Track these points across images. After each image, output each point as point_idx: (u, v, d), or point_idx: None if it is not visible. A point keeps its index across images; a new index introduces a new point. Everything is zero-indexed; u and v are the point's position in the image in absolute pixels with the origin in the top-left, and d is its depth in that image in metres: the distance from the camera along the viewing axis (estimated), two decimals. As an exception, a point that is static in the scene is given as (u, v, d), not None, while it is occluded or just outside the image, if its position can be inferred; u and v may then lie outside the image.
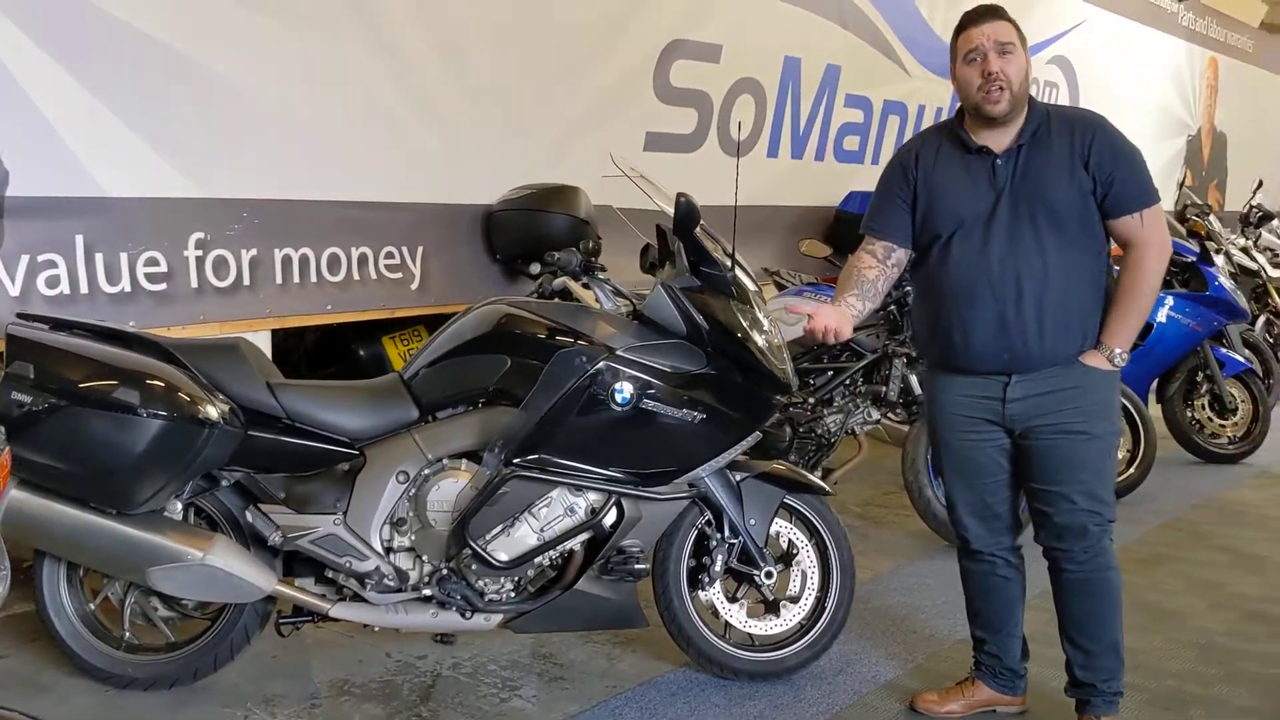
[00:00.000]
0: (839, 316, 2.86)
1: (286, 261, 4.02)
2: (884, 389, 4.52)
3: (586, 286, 3.33)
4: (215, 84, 3.73)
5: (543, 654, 3.45)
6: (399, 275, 4.41)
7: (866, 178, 6.84)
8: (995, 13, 2.81)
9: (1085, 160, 2.74)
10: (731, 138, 5.80)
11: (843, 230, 6.29)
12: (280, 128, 3.94)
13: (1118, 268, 2.86)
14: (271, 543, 3.00)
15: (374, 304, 4.33)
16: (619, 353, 2.97)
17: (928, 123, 7.34)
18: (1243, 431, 5.94)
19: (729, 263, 3.08)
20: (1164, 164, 10.39)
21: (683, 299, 3.02)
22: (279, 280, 4.00)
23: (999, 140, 2.81)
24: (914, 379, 4.56)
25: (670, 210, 3.08)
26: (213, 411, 2.84)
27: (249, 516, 3.01)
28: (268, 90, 3.88)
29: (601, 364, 2.94)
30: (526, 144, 4.82)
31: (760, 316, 3.14)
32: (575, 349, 2.96)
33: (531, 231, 4.58)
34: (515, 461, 2.96)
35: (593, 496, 3.04)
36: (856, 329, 4.64)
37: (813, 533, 3.33)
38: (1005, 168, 2.79)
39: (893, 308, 4.60)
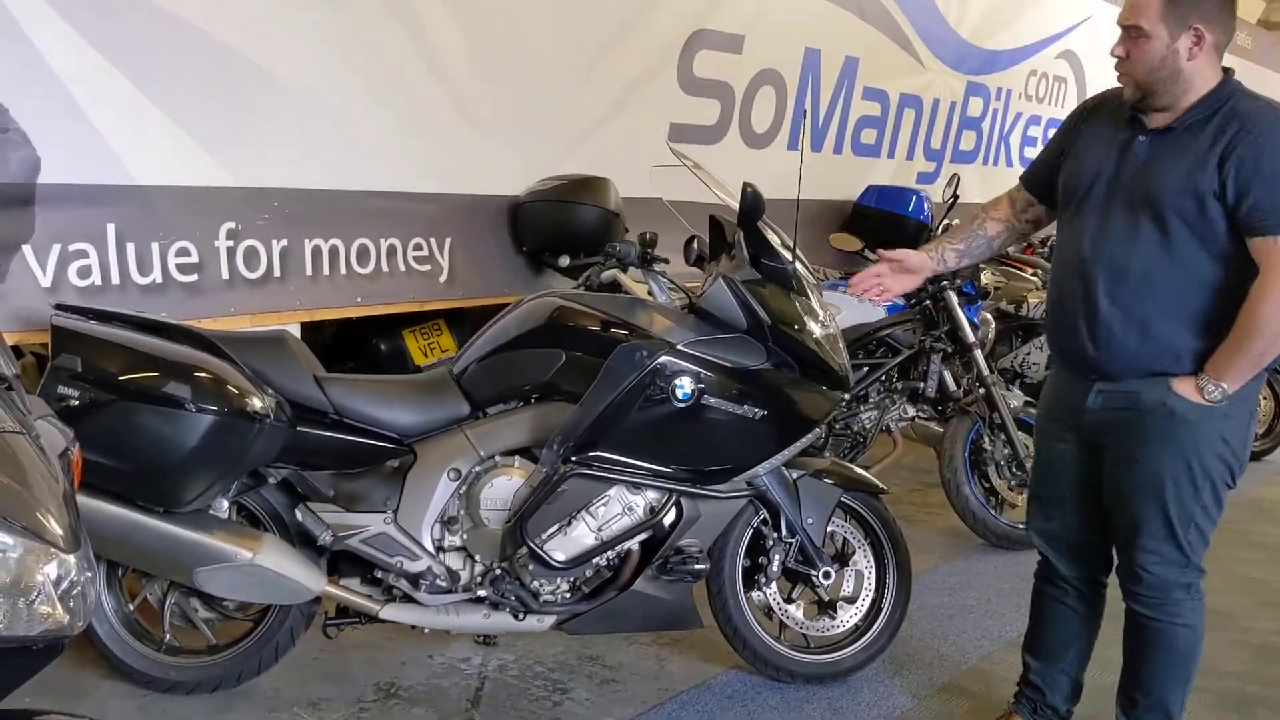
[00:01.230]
0: (897, 275, 2.76)
1: (316, 252, 3.91)
2: (921, 385, 4.46)
3: (638, 280, 3.25)
4: (248, 70, 3.62)
5: (589, 655, 3.37)
6: (427, 267, 4.30)
7: (883, 171, 6.79)
8: None
9: (1221, 161, 2.37)
10: (754, 129, 5.73)
11: (861, 224, 6.23)
12: (312, 115, 3.83)
13: None
14: (321, 542, 2.91)
15: (403, 296, 4.23)
16: (679, 347, 2.89)
17: (941, 117, 7.30)
18: (1264, 429, 5.91)
19: (789, 255, 3.00)
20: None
21: (744, 291, 2.94)
22: (309, 272, 3.89)
23: (1159, 117, 2.47)
24: (948, 375, 4.50)
25: (732, 201, 3.00)
26: (262, 406, 2.74)
27: (299, 515, 2.91)
28: (300, 77, 3.77)
29: (662, 359, 2.86)
30: (553, 134, 4.73)
31: (819, 309, 3.07)
32: (635, 343, 2.87)
33: (560, 223, 4.50)
34: (574, 459, 2.88)
35: (651, 495, 2.96)
36: (892, 324, 4.68)
37: (868, 532, 3.27)
38: (1144, 145, 2.48)
39: (928, 302, 4.53)
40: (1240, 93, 2.46)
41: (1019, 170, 8.61)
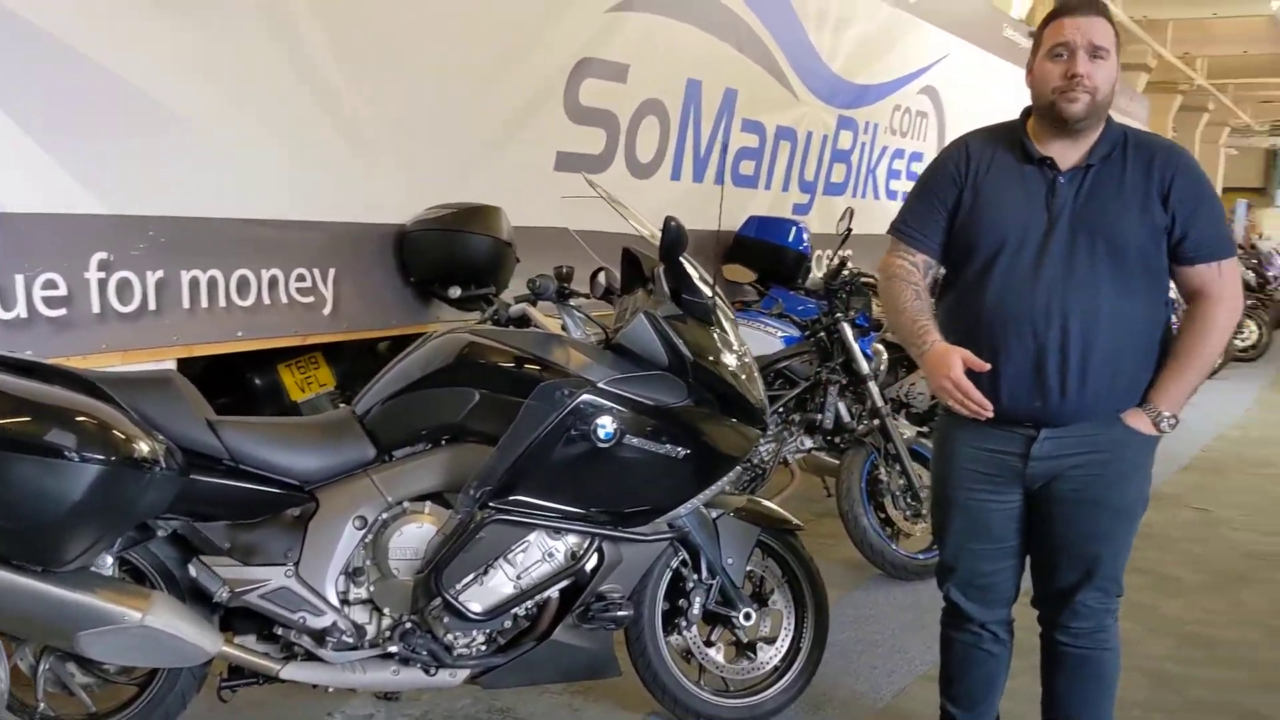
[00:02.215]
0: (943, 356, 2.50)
1: (194, 284, 3.67)
2: (819, 417, 4.45)
3: (549, 314, 3.14)
4: (122, 92, 3.38)
5: (499, 708, 3.22)
6: (310, 299, 4.09)
7: (761, 202, 6.83)
8: (1094, 6, 2.47)
9: (1165, 196, 2.43)
10: (638, 159, 5.69)
11: (742, 254, 6.25)
12: (191, 139, 3.60)
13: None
14: (217, 599, 2.69)
15: (285, 330, 4.01)
16: (601, 385, 2.78)
17: (815, 150, 7.40)
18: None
19: (709, 290, 2.94)
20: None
21: (666, 328, 2.85)
22: (186, 305, 3.65)
23: (1067, 154, 2.47)
24: (843, 407, 4.51)
25: (648, 234, 2.92)
26: (152, 453, 2.51)
27: (192, 570, 2.69)
28: (178, 100, 3.54)
29: (584, 397, 2.74)
30: (440, 162, 4.58)
31: (737, 344, 3.01)
32: (555, 382, 2.75)
33: (450, 253, 4.34)
34: (491, 504, 2.74)
35: (572, 540, 2.84)
36: (789, 356, 4.67)
37: (785, 569, 3.21)
38: (1068, 187, 2.46)
39: (823, 335, 4.54)
40: (1126, 126, 2.54)
41: (885, 202, 8.81)
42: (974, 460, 2.60)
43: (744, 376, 2.95)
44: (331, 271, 4.16)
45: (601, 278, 3.26)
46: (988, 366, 2.48)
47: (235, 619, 2.79)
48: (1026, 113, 2.56)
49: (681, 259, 2.88)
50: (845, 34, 7.40)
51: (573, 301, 3.04)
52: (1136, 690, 3.48)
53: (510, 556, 2.78)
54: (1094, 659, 2.63)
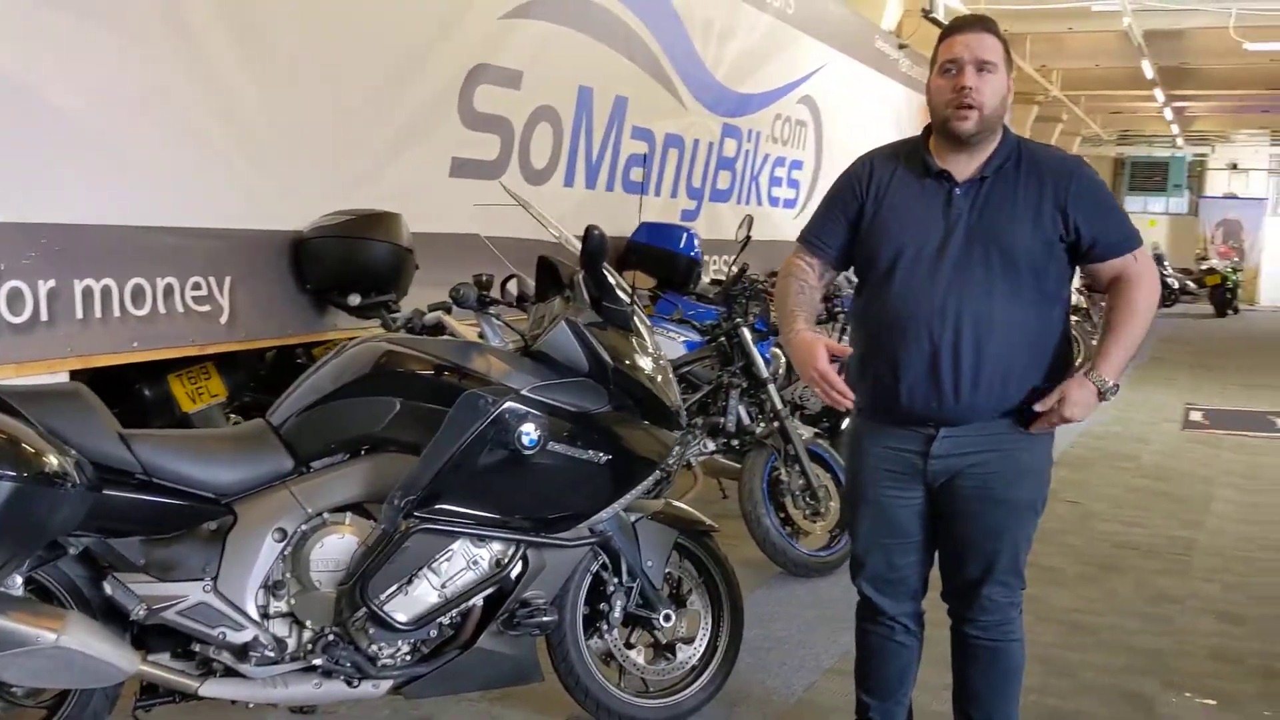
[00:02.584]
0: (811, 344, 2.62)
1: (88, 294, 3.55)
2: (721, 420, 4.53)
3: (464, 322, 3.14)
4: (13, 95, 3.26)
5: (419, 716, 3.21)
6: (207, 308, 4.00)
7: (655, 209, 6.90)
8: (983, 24, 2.58)
9: (1062, 207, 2.55)
10: (533, 166, 5.70)
11: (635, 261, 6.31)
12: (84, 144, 3.49)
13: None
14: (134, 616, 2.62)
15: (182, 340, 3.91)
16: (524, 393, 2.80)
17: (701, 157, 7.52)
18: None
19: (628, 298, 2.98)
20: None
21: (588, 335, 2.88)
22: (80, 315, 3.53)
23: (963, 167, 2.58)
24: (743, 410, 4.61)
25: (567, 241, 2.95)
26: (63, 469, 2.44)
27: (107, 588, 2.61)
28: (70, 103, 3.43)
29: (507, 405, 2.76)
30: (335, 168, 4.52)
31: (654, 351, 3.06)
32: (479, 391, 2.76)
33: (349, 260, 4.29)
34: (416, 513, 2.73)
35: (496, 547, 2.85)
36: (691, 361, 4.75)
37: (702, 570, 3.27)
38: (964, 199, 2.57)
39: (723, 339, 4.62)
40: (1023, 139, 2.67)
41: (768, 209, 9.00)
42: (881, 459, 2.71)
43: (662, 381, 3.01)
44: (228, 279, 4.07)
45: (513, 285, 3.27)
46: (849, 351, 2.66)
47: (149, 636, 2.72)
48: (928, 130, 2.67)
49: (603, 267, 2.91)
50: (729, 44, 7.53)
51: (492, 309, 3.04)
52: (1031, 676, 3.58)
53: (435, 565, 2.78)
54: (1001, 650, 2.75)
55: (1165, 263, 21.18)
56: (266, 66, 4.12)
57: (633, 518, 3.10)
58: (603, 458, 2.86)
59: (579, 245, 3.42)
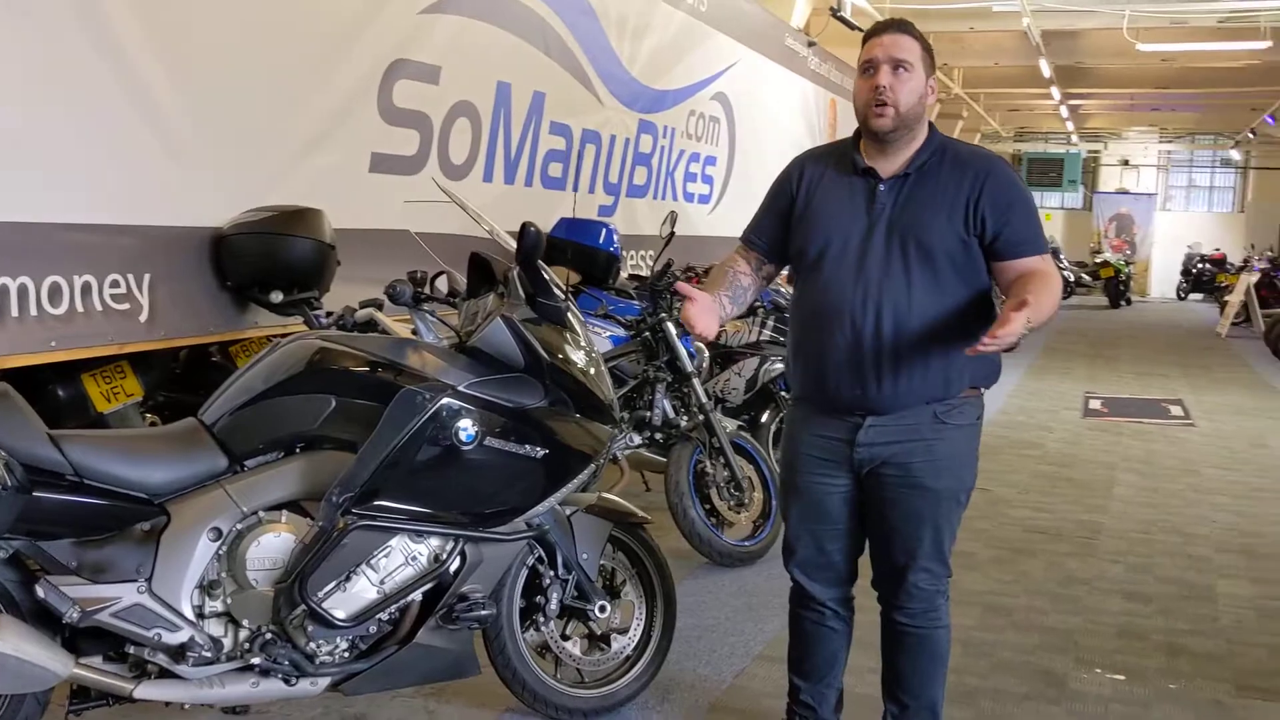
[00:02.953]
0: (711, 311, 2.71)
1: (3, 293, 3.48)
2: (648, 414, 4.59)
3: (396, 319, 3.14)
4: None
5: (353, 714, 3.21)
6: (126, 306, 3.93)
7: (568, 204, 6.93)
8: (900, 26, 2.69)
9: (974, 202, 2.63)
10: (452, 161, 5.69)
11: (555, 256, 6.33)
12: (-2, 139, 3.42)
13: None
14: (68, 619, 2.58)
15: (101, 339, 3.84)
16: (460, 389, 2.82)
17: (618, 153, 7.56)
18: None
19: (562, 294, 3.02)
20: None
21: (524, 331, 2.91)
22: (-5, 314, 3.46)
23: (887, 165, 2.69)
24: (668, 404, 4.67)
25: (502, 239, 2.97)
26: (-7, 471, 2.40)
27: (40, 591, 2.56)
28: (-15, 96, 3.36)
29: (444, 401, 2.78)
30: (254, 164, 4.47)
31: (588, 346, 3.10)
32: (417, 387, 2.77)
33: (271, 257, 4.26)
34: (355, 510, 2.73)
35: (434, 543, 2.86)
36: (617, 355, 4.79)
37: (635, 562, 3.33)
38: (887, 194, 2.68)
39: (648, 334, 4.68)
40: (948, 139, 2.77)
41: (684, 204, 9.07)
42: (812, 446, 2.81)
43: (595, 376, 3.05)
44: (147, 277, 4.02)
45: (442, 282, 3.28)
46: (695, 295, 2.70)
47: (81, 640, 2.68)
48: (859, 131, 2.78)
49: (538, 264, 2.94)
50: (644, 41, 7.59)
51: (425, 306, 3.05)
52: (950, 657, 3.76)
53: (373, 562, 2.78)
54: (928, 636, 2.84)
55: (1062, 256, 21.86)
56: (186, 62, 4.06)
57: (568, 511, 3.14)
58: (539, 452, 2.90)
59: (511, 241, 3.44)
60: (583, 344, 3.07)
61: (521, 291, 2.97)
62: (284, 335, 4.61)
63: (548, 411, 2.94)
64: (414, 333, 3.09)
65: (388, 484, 2.74)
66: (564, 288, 3.03)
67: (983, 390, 2.83)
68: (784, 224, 2.83)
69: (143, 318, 4.00)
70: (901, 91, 2.62)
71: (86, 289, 3.77)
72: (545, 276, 2.98)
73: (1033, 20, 12.53)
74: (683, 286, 2.80)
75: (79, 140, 3.70)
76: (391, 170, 5.28)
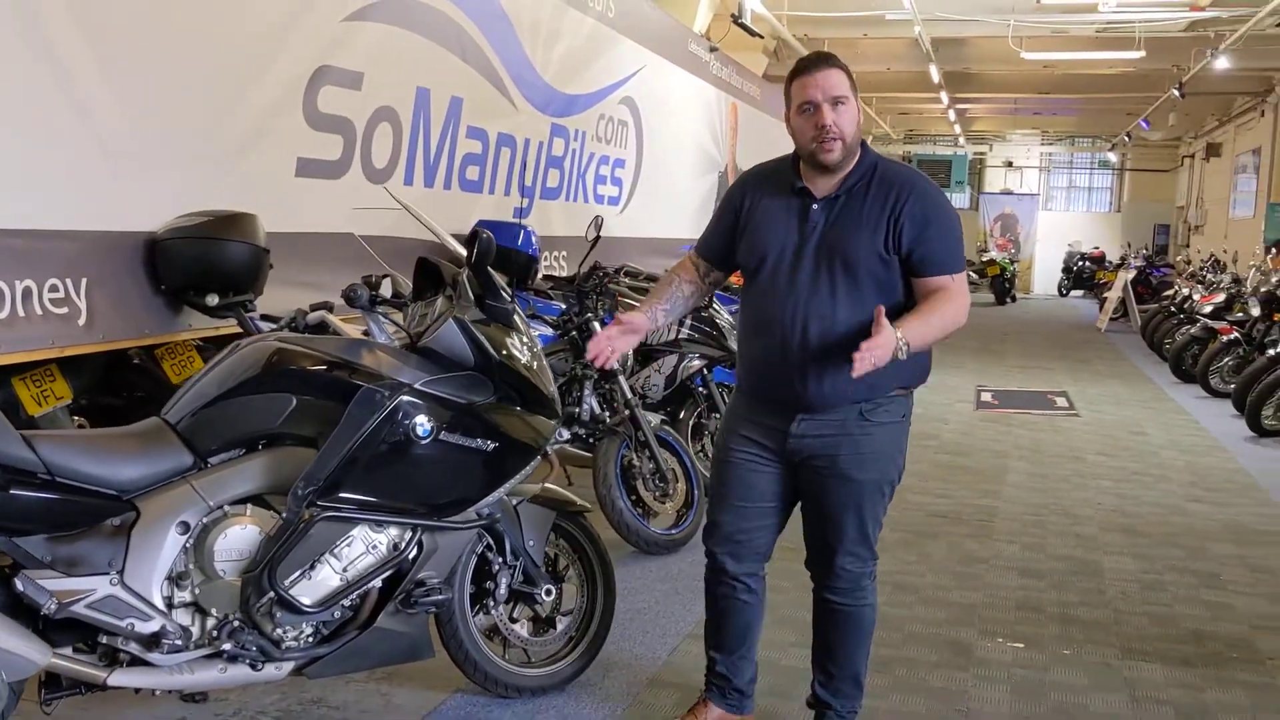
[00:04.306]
0: (622, 334, 3.00)
1: (-52, 297, 3.54)
2: (576, 410, 4.78)
3: (347, 320, 3.29)
4: None
5: (310, 699, 3.35)
6: (65, 310, 3.99)
7: (487, 207, 7.09)
8: (828, 61, 2.86)
9: (894, 220, 2.81)
10: (374, 165, 5.81)
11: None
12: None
13: None
14: (45, 611, 2.68)
15: (43, 342, 3.90)
16: (416, 386, 2.99)
17: (532, 156, 7.74)
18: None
19: (509, 296, 3.20)
20: (701, 199, 11.60)
21: (475, 331, 3.09)
22: (-60, 319, 3.51)
23: (822, 185, 2.89)
24: (595, 401, 4.88)
25: (451, 244, 3.13)
26: (-30, 470, 2.50)
27: (19, 585, 2.66)
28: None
29: (402, 399, 2.95)
30: (185, 169, 4.55)
31: (532, 344, 3.29)
32: (376, 386, 2.94)
33: (207, 260, 4.35)
34: (320, 503, 2.89)
35: (393, 532, 3.03)
36: (546, 354, 4.97)
37: (576, 548, 3.53)
38: (819, 213, 2.88)
39: (574, 333, 4.88)
40: (880, 158, 2.97)
41: (594, 206, 9.27)
42: (749, 428, 3.05)
43: (539, 371, 3.25)
44: (84, 281, 4.08)
45: (385, 285, 3.43)
46: (619, 322, 3.05)
47: (54, 631, 2.77)
48: (796, 153, 2.99)
49: (488, 268, 3.13)
50: (555, 47, 7.77)
51: (380, 309, 3.21)
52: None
53: (337, 550, 2.94)
54: (855, 613, 3.08)
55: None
56: (120, 67, 4.13)
57: (514, 501, 3.33)
58: (490, 445, 3.08)
59: (457, 245, 3.62)
60: (527, 342, 3.27)
61: (471, 293, 3.15)
62: (216, 338, 4.74)
63: (496, 407, 3.13)
64: (365, 334, 3.24)
65: (349, 477, 2.91)
66: (511, 291, 3.21)
67: (911, 389, 3.05)
68: (729, 238, 3.08)
69: (81, 321, 4.06)
70: (844, 124, 2.83)
71: (28, 294, 3.83)
72: (494, 280, 3.16)
73: (923, 28, 13.03)
74: (620, 316, 3.08)
75: (19, 147, 3.76)
76: (317, 174, 5.38)
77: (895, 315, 2.85)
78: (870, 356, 2.67)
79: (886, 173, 2.92)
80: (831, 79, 2.84)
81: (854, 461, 2.94)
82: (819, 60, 2.89)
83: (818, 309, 2.87)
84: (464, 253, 3.39)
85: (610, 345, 3.01)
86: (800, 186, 2.94)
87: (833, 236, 2.88)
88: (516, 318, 3.24)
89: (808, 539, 3.11)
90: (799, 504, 3.11)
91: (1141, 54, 13.37)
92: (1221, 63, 13.81)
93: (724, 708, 3.22)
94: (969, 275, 13.34)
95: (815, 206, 2.92)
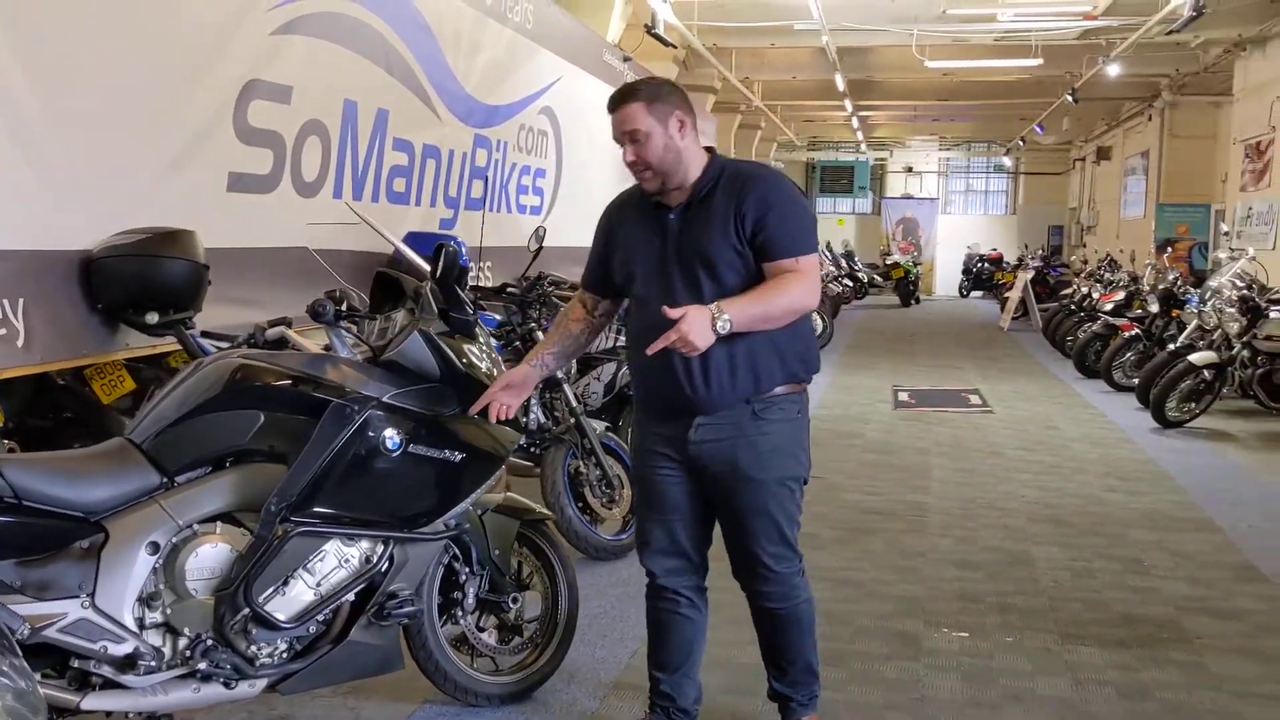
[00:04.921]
0: (510, 393, 3.10)
1: (-112, 322, 3.45)
2: (524, 419, 4.81)
3: (302, 334, 3.29)
4: None
5: (278, 716, 3.34)
6: (4, 331, 3.91)
7: (416, 219, 7.08)
8: (624, 98, 2.93)
9: (739, 211, 2.89)
10: (304, 178, 5.77)
11: (404, 270, 6.45)
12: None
13: None
14: (19, 636, 2.63)
15: (-18, 364, 3.82)
16: (385, 400, 3.01)
17: (456, 167, 7.73)
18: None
19: (471, 309, 3.24)
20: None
21: (440, 343, 3.12)
22: (-123, 343, 3.42)
23: (676, 196, 2.98)
24: (539, 411, 4.92)
25: (410, 254, 3.16)
26: (-62, 497, 2.46)
27: (-9, 611, 2.62)
28: None
29: (371, 413, 2.97)
30: (119, 186, 4.49)
31: (491, 356, 3.33)
32: (345, 401, 2.95)
33: (147, 278, 4.29)
34: (293, 518, 2.89)
35: (365, 545, 3.04)
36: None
37: (540, 555, 3.57)
38: (675, 221, 2.97)
39: (518, 343, 4.91)
40: (728, 161, 3.07)
41: (517, 216, 9.28)
42: (654, 441, 3.09)
43: (502, 384, 3.28)
44: (21, 302, 4.00)
45: (340, 299, 3.43)
46: (501, 382, 3.14)
47: (24, 657, 2.73)
48: None
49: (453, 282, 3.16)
50: (477, 58, 7.79)
51: (343, 324, 3.21)
52: (816, 626, 4.15)
53: (310, 565, 2.95)
54: (791, 611, 3.11)
55: (855, 259, 23.07)
56: (50, 82, 4.06)
57: (479, 511, 3.36)
58: (457, 456, 3.12)
59: (414, 256, 3.64)
60: (487, 352, 3.30)
61: (435, 306, 3.17)
62: (153, 356, 4.68)
63: (461, 418, 3.16)
64: (327, 348, 3.25)
65: (322, 492, 2.92)
66: (473, 305, 3.25)
67: (805, 385, 3.10)
68: (606, 266, 3.16)
69: (19, 342, 3.98)
70: (648, 156, 2.91)
71: (-35, 316, 3.75)
72: (457, 292, 3.19)
73: (830, 37, 13.31)
74: (504, 375, 3.18)
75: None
76: (248, 189, 5.33)
77: None
78: (665, 343, 2.75)
79: (732, 172, 2.99)
80: (624, 115, 2.92)
81: (753, 461, 2.95)
82: (615, 99, 2.97)
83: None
84: (425, 266, 3.41)
85: (500, 403, 3.09)
86: (656, 201, 3.02)
87: (689, 240, 2.95)
88: (478, 329, 3.28)
89: (729, 548, 3.10)
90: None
91: (1039, 61, 13.85)
92: (1113, 69, 14.37)
93: None
94: (874, 278, 13.73)
95: (671, 216, 2.99)
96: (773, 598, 3.08)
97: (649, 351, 2.82)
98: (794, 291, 2.90)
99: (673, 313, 2.77)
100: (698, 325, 2.76)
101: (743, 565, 3.08)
